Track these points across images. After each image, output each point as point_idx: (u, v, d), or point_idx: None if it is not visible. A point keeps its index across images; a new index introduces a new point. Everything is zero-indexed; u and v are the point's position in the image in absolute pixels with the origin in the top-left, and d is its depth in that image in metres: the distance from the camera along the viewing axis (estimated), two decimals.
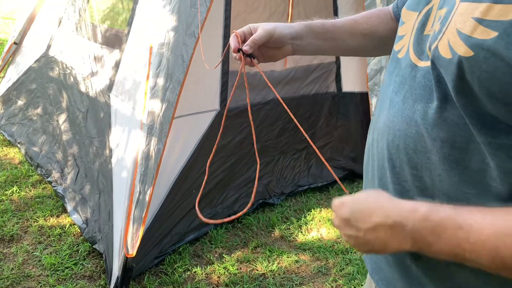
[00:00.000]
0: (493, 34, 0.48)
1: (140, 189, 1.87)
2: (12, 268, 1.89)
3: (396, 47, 0.70)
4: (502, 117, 0.50)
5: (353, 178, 2.86)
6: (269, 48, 0.83)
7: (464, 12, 0.52)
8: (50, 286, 1.80)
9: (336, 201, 0.61)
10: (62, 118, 2.67)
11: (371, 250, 0.58)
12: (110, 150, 2.17)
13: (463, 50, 0.51)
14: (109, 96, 2.30)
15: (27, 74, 3.16)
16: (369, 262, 0.77)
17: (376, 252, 0.58)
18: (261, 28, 0.80)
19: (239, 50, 0.80)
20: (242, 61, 0.80)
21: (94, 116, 2.39)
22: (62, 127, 2.65)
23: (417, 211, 0.52)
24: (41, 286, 1.81)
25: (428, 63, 0.58)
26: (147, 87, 1.97)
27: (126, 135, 2.11)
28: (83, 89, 2.55)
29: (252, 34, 0.81)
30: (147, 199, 1.85)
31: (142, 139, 1.92)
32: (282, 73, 2.67)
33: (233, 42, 0.81)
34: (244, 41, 0.81)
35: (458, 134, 0.54)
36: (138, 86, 2.10)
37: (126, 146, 2.07)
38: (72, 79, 2.68)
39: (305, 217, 2.45)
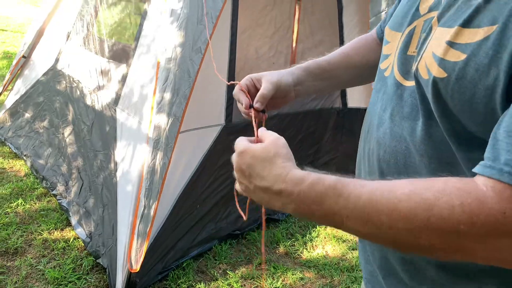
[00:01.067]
0: (463, 56, 0.52)
1: (145, 204, 1.87)
2: (16, 282, 1.88)
3: (382, 65, 0.73)
4: (476, 133, 0.54)
5: None
6: (274, 98, 0.82)
7: (439, 36, 0.57)
8: None
9: (240, 145, 0.62)
10: (68, 131, 2.69)
11: (257, 201, 0.61)
12: (115, 164, 2.17)
13: (436, 72, 0.55)
14: (115, 110, 2.32)
15: (35, 87, 3.19)
16: (365, 271, 0.79)
17: (262, 204, 0.61)
18: (266, 81, 0.79)
19: (250, 106, 0.78)
20: (254, 117, 0.76)
21: (99, 130, 2.40)
22: (67, 140, 2.66)
23: (304, 181, 0.54)
24: None
25: (414, 83, 0.61)
26: (154, 102, 1.98)
27: (131, 149, 2.11)
28: (89, 102, 2.57)
29: (254, 85, 0.81)
30: (151, 213, 1.84)
31: (147, 153, 1.92)
32: None
33: (243, 98, 0.79)
34: (248, 93, 0.79)
35: (443, 150, 0.57)
36: (144, 100, 2.11)
37: (132, 160, 2.07)
38: (78, 92, 2.71)
39: (310, 233, 2.43)
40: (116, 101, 2.34)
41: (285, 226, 2.47)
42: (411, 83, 0.62)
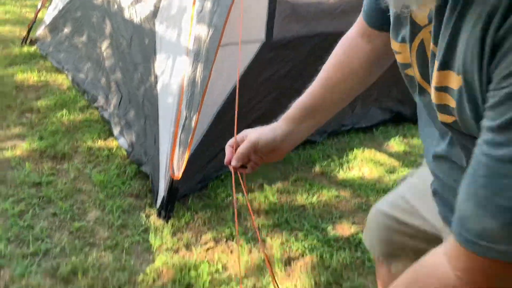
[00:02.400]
0: (453, 102, 0.53)
1: (186, 115, 1.88)
2: (65, 183, 2.00)
3: (408, 72, 0.66)
4: None
5: (399, 120, 2.77)
6: (260, 154, 0.83)
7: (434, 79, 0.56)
8: (100, 200, 1.90)
9: None
10: (105, 44, 2.68)
11: None
12: (156, 77, 2.17)
13: (443, 118, 0.57)
14: (154, 23, 2.27)
15: (72, 2, 3.15)
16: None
17: None
18: (246, 140, 0.82)
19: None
20: (233, 172, 0.83)
21: (138, 43, 2.38)
22: (105, 54, 2.67)
23: None
24: (92, 200, 1.91)
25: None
26: (194, 11, 1.91)
27: (171, 61, 2.09)
28: (127, 16, 2.52)
29: (243, 140, 0.83)
30: (193, 124, 1.86)
31: (188, 65, 1.90)
32: (330, 6, 2.52)
33: (227, 153, 0.83)
34: (238, 147, 0.83)
35: None
36: (183, 12, 2.05)
37: (172, 73, 2.06)
38: (116, 6, 2.65)
39: (347, 155, 2.42)
40: (154, 13, 2.28)
41: (321, 148, 2.47)
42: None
